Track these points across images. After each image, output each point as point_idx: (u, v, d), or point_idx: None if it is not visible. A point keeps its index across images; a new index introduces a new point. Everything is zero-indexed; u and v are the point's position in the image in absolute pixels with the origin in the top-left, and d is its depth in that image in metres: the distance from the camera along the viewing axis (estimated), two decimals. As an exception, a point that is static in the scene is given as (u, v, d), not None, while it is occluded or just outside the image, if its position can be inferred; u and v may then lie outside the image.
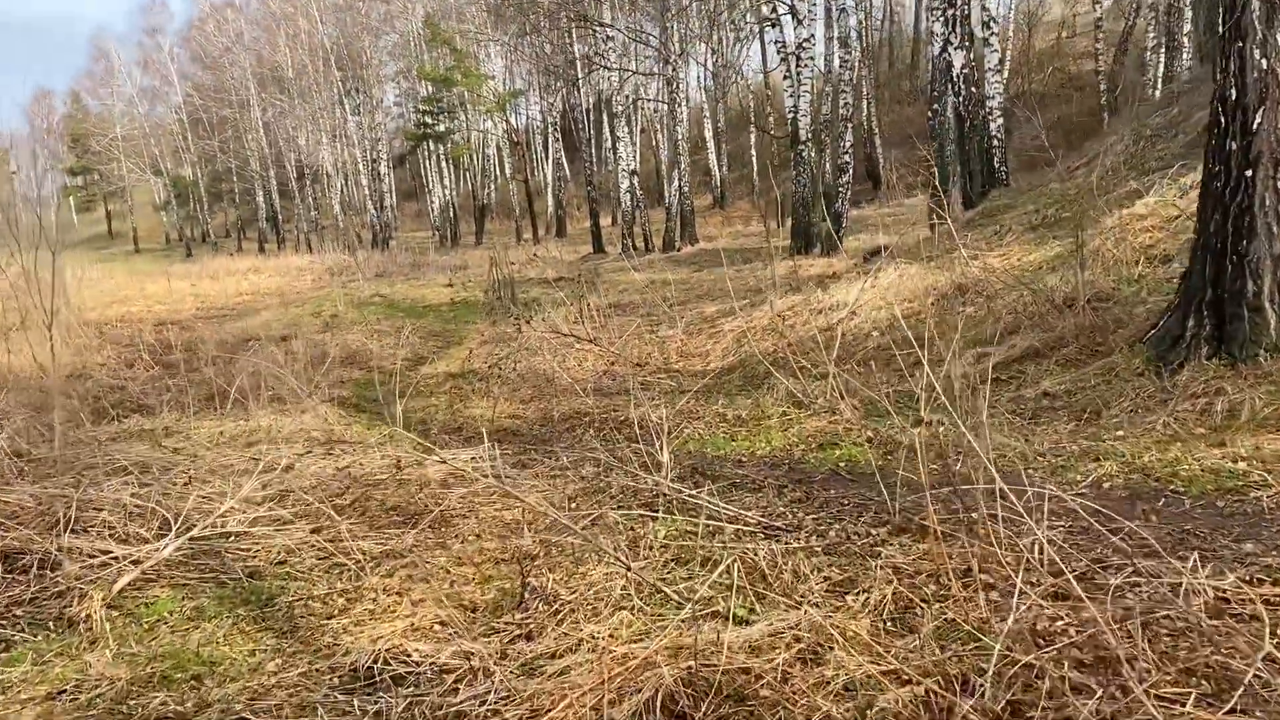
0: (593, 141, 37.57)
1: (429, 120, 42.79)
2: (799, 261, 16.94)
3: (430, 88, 42.76)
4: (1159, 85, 26.68)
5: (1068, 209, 9.67)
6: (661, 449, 4.56)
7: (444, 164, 46.74)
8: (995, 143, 13.41)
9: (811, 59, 22.43)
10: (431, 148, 44.41)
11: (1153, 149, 9.58)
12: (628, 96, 28.96)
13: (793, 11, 20.66)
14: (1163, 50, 27.41)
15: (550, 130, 45.09)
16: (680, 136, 27.09)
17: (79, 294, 20.13)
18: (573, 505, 4.66)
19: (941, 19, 13.61)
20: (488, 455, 5.49)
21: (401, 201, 60.87)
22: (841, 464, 5.06)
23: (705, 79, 41.80)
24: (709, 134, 40.51)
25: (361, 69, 48.97)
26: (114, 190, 69.82)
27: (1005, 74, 20.25)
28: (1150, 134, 10.00)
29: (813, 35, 23.21)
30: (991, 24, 13.95)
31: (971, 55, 13.20)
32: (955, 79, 13.05)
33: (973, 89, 13.04)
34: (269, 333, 15.21)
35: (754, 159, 42.23)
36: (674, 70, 27.22)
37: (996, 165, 13.18)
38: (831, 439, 5.53)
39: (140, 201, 70.01)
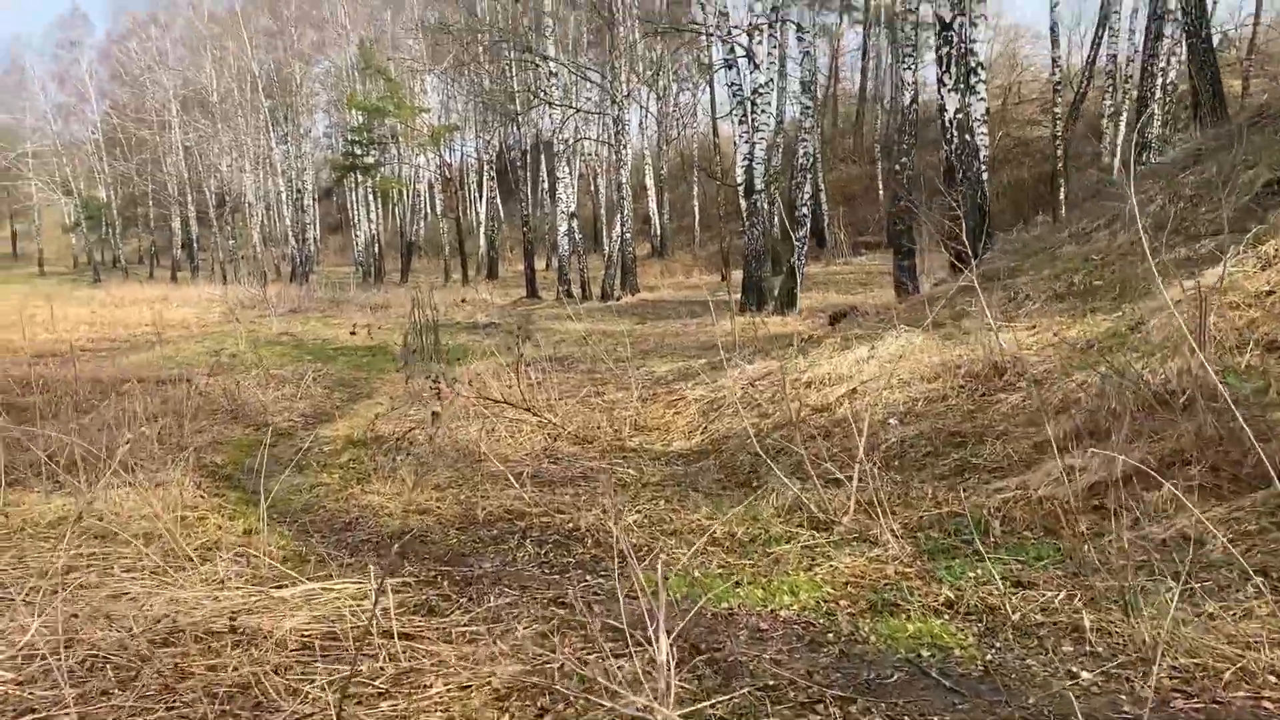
0: (530, 182, 35.91)
1: (357, 151, 40.73)
2: (752, 319, 15.44)
3: (361, 118, 40.77)
4: (1116, 153, 26.08)
5: (1099, 275, 8.21)
6: (657, 637, 2.76)
7: (371, 197, 44.65)
8: (984, 197, 12.04)
9: (769, 104, 21.13)
10: (359, 179, 42.29)
11: (1195, 211, 8.21)
12: (567, 139, 27.33)
13: (749, 56, 19.36)
14: (1122, 118, 26.86)
15: (486, 168, 43.37)
16: (624, 179, 25.55)
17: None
18: (504, 718, 2.85)
19: (935, 57, 12.22)
20: (374, 595, 3.65)
21: (326, 235, 58.53)
22: (924, 650, 3.30)
23: (648, 124, 40.50)
24: (650, 180, 39.18)
25: (291, 96, 46.84)
26: (21, 208, 66.09)
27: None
28: (1190, 194, 8.61)
29: (770, 80, 22.01)
30: (980, 69, 12.63)
31: (966, 100, 11.82)
32: (948, 125, 11.62)
33: (966, 136, 11.64)
34: (152, 374, 13.11)
35: (696, 208, 41.08)
36: (619, 109, 25.76)
37: (987, 223, 11.77)
38: (886, 594, 3.78)
39: (50, 222, 66.62)
